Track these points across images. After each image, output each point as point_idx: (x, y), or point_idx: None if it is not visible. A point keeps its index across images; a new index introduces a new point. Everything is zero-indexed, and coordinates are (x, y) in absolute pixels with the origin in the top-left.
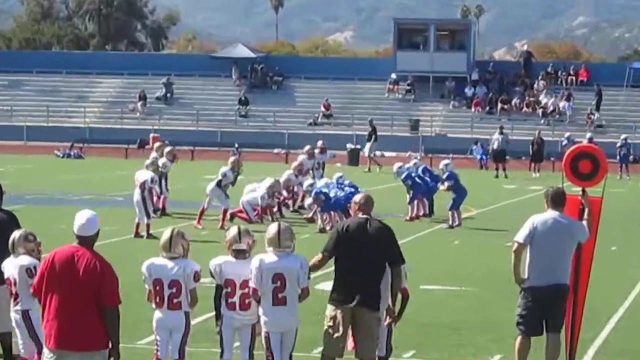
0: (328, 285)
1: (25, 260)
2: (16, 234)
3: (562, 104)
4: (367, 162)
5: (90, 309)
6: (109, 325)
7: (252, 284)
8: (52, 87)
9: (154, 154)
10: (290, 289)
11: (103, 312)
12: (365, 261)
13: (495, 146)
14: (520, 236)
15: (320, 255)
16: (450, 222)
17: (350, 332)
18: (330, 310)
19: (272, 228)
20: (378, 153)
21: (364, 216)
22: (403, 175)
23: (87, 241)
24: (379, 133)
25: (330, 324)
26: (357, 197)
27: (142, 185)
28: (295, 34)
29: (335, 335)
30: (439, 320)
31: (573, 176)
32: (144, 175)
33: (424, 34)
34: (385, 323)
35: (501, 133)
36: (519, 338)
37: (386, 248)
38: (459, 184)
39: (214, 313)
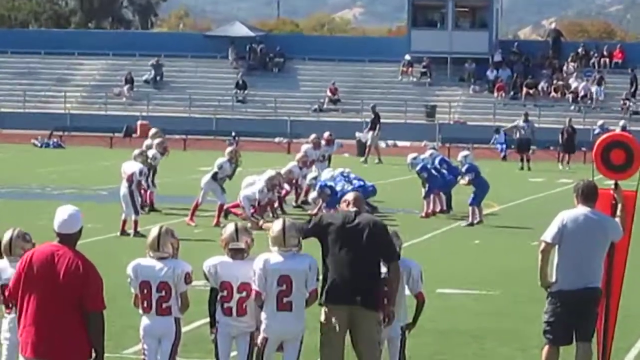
0: None
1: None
2: (11, 234)
3: (594, 88)
4: (374, 153)
5: (72, 314)
6: (93, 332)
7: (255, 287)
8: (29, 69)
9: (147, 142)
10: (297, 293)
11: (86, 318)
12: (357, 257)
13: (519, 135)
14: (549, 235)
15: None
16: (470, 219)
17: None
18: (324, 313)
19: (277, 225)
20: (390, 142)
21: (354, 209)
22: (418, 167)
23: (68, 239)
24: (391, 120)
25: (325, 327)
26: (347, 196)
27: (130, 178)
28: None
29: (333, 340)
30: (458, 328)
31: (605, 168)
32: (132, 167)
33: (441, 10)
34: (384, 326)
35: (526, 120)
36: (546, 347)
37: (377, 242)
38: (480, 178)
39: (208, 319)
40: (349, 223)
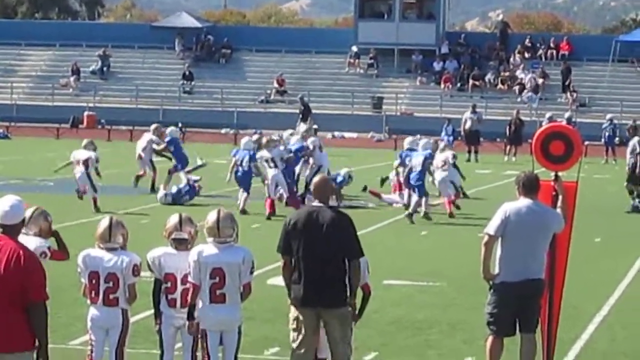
0: (280, 280)
1: (36, 242)
2: (34, 210)
3: (541, 80)
4: None
5: (14, 305)
6: (36, 323)
7: (190, 279)
8: None
9: (149, 136)
10: (231, 285)
11: (29, 309)
12: (320, 256)
13: (467, 126)
14: (491, 227)
15: (282, 260)
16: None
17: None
18: (293, 311)
19: (211, 216)
20: (337, 134)
21: (317, 205)
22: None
23: (10, 230)
24: (338, 112)
25: (294, 326)
26: (314, 180)
27: (86, 162)
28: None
29: (302, 339)
30: (404, 319)
31: (544, 159)
32: (85, 154)
33: (388, 2)
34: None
35: (474, 112)
36: (490, 338)
37: (341, 240)
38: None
39: (152, 311)
40: (312, 225)
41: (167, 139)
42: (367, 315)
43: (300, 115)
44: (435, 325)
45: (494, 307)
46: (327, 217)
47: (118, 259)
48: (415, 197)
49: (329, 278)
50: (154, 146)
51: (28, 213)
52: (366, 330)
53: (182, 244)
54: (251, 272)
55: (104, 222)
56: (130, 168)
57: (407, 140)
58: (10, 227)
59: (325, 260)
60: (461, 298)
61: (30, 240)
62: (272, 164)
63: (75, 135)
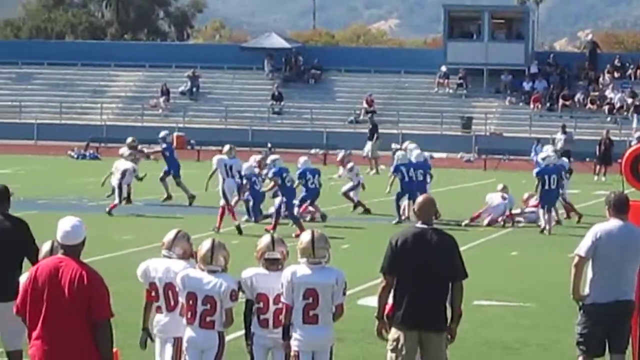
0: (371, 301)
1: (181, 264)
2: (177, 232)
3: (630, 100)
4: (378, 164)
5: (79, 325)
6: (101, 341)
7: (283, 299)
8: (65, 80)
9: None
10: (324, 306)
11: (94, 328)
12: (427, 278)
13: (558, 147)
14: (582, 249)
15: (382, 280)
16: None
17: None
18: (393, 332)
19: (306, 236)
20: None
21: (423, 226)
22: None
23: (72, 251)
24: (427, 132)
25: (392, 347)
26: (418, 200)
27: (124, 173)
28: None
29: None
30: (494, 340)
31: (634, 179)
32: (125, 164)
33: (477, 22)
34: (448, 343)
35: (564, 132)
36: (579, 359)
37: (448, 262)
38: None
39: (244, 331)
40: (420, 246)
41: (163, 146)
42: (458, 336)
43: (369, 134)
44: (525, 346)
45: (584, 327)
46: (435, 239)
47: (217, 282)
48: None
49: (434, 300)
50: (145, 149)
51: (171, 235)
52: (457, 351)
53: (274, 264)
54: (344, 293)
55: (206, 244)
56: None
57: (301, 160)
58: (72, 248)
59: (431, 282)
60: (551, 319)
61: (175, 264)
62: (230, 173)
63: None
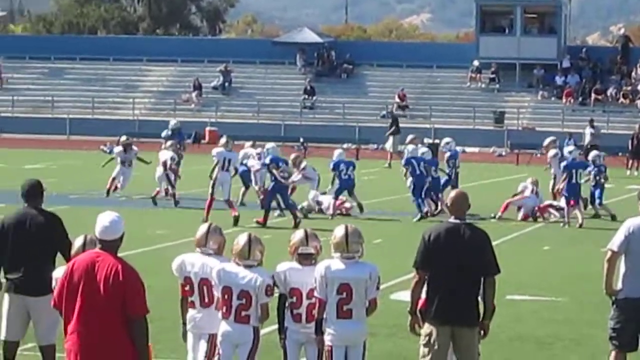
0: (403, 295)
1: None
2: (209, 226)
3: None
4: (395, 158)
5: (114, 320)
6: (137, 337)
7: (317, 294)
8: (97, 75)
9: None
10: (358, 301)
11: (129, 323)
12: (460, 273)
13: (586, 141)
14: (615, 243)
15: (415, 275)
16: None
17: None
18: (426, 327)
19: (339, 231)
20: (459, 149)
21: (456, 221)
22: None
23: (110, 246)
24: (459, 126)
25: (425, 342)
26: (451, 195)
27: (165, 163)
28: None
29: (433, 355)
30: (527, 335)
31: None
32: (165, 154)
33: (509, 16)
34: (480, 339)
35: (592, 127)
36: (612, 353)
37: (481, 257)
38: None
39: (276, 326)
40: (454, 242)
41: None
42: (490, 331)
43: (389, 129)
44: (558, 340)
45: (617, 322)
46: (468, 234)
47: (253, 277)
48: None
49: (466, 295)
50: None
51: (203, 230)
52: (490, 346)
53: (307, 259)
54: (377, 288)
55: (243, 239)
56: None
57: (337, 153)
58: (109, 243)
59: (463, 277)
60: (584, 313)
61: (211, 259)
62: (227, 166)
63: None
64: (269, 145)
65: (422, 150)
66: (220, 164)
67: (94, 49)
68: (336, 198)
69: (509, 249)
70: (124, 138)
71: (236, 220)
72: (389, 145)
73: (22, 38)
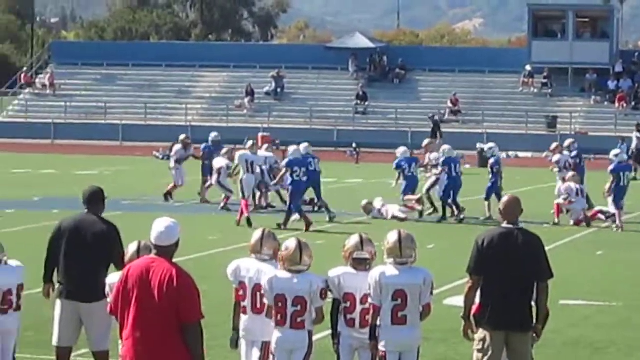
0: (456, 300)
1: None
2: (263, 231)
3: None
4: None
5: (168, 326)
6: (191, 343)
7: (371, 301)
8: (150, 81)
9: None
10: (412, 307)
11: (184, 329)
12: (514, 278)
13: (633, 145)
14: None
15: (469, 280)
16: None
17: None
18: (480, 332)
19: (392, 236)
20: (512, 154)
21: (509, 226)
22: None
23: (165, 252)
24: (512, 131)
25: (479, 347)
26: (503, 200)
27: (219, 171)
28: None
29: None
30: (581, 339)
31: None
32: (219, 162)
33: (561, 21)
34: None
35: (639, 131)
36: None
37: (535, 262)
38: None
39: (329, 331)
40: (507, 247)
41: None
42: (544, 335)
43: (431, 133)
44: (613, 345)
45: None
46: (521, 239)
47: (307, 282)
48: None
49: (520, 300)
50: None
51: (257, 235)
52: (544, 350)
53: (362, 264)
54: (431, 293)
55: (292, 244)
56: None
57: (400, 151)
58: (165, 249)
59: (518, 283)
60: (638, 318)
61: (266, 266)
62: (251, 169)
63: None
64: (292, 148)
65: (401, 150)
66: (244, 166)
67: (147, 55)
68: (405, 195)
69: (562, 254)
70: (183, 136)
71: (249, 222)
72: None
73: (74, 44)
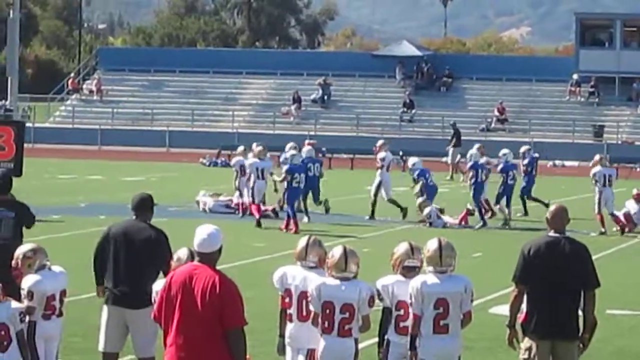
0: (502, 309)
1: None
2: (309, 239)
3: None
4: (458, 170)
5: (212, 332)
6: (234, 349)
7: (412, 310)
8: (196, 88)
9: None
10: (454, 315)
11: (227, 336)
12: (561, 287)
13: None
14: None
15: (514, 289)
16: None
17: None
18: (526, 342)
19: (432, 244)
20: (558, 163)
21: (555, 235)
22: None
23: (208, 258)
24: (559, 140)
25: (525, 356)
26: (550, 209)
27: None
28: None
29: None
30: (627, 350)
31: None
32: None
33: (609, 30)
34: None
35: None
36: None
37: (581, 270)
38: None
39: (375, 339)
40: (554, 255)
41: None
42: (590, 345)
43: (451, 140)
44: None
45: None
46: (567, 247)
47: (355, 289)
48: None
49: (566, 309)
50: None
51: (303, 243)
52: None
53: (412, 272)
54: (472, 301)
55: (338, 252)
56: (350, 196)
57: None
58: (208, 256)
59: (563, 291)
60: None
61: (311, 274)
62: (261, 176)
63: None
64: (292, 153)
65: (416, 160)
66: (255, 173)
67: (194, 61)
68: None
69: (609, 263)
70: (259, 148)
71: (258, 224)
72: (449, 157)
73: (121, 50)
